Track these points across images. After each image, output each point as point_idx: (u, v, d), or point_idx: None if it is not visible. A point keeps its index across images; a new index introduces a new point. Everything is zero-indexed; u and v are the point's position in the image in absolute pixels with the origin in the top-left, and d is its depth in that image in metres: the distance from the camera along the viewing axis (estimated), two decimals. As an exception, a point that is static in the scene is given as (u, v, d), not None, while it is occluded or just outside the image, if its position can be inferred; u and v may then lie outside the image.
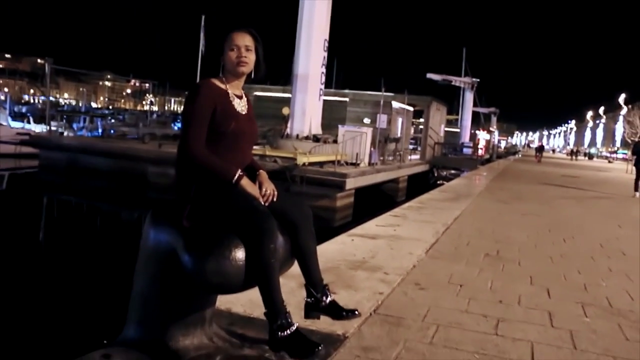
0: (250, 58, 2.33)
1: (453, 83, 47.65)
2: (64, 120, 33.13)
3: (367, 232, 5.86)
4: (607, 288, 4.20)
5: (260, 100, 25.83)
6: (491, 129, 56.45)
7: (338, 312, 2.36)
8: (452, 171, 29.84)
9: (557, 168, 28.11)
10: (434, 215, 7.54)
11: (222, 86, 2.33)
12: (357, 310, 2.43)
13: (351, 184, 15.94)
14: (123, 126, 28.77)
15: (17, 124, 29.28)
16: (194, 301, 2.29)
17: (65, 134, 25.59)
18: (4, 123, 26.86)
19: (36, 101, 75.57)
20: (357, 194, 17.03)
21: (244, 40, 2.31)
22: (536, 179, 17.48)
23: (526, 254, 5.33)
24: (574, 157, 53.08)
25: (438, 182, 26.05)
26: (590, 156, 65.73)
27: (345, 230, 6.02)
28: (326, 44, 19.99)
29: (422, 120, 33.00)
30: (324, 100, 20.88)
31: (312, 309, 2.37)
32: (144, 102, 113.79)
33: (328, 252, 4.70)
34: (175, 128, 33.31)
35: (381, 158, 21.28)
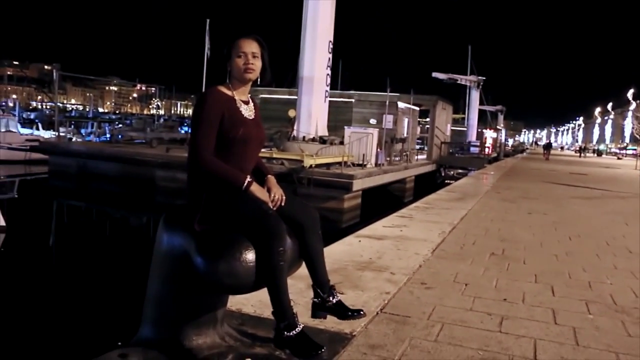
0: (257, 65, 2.37)
1: (459, 82, 47.49)
2: (72, 126, 33.46)
3: (374, 233, 5.93)
4: (611, 285, 4.24)
5: (266, 102, 25.94)
6: (498, 127, 56.30)
7: (344, 312, 2.43)
8: (460, 170, 29.84)
9: (566, 165, 28.02)
10: (440, 215, 7.60)
11: (229, 93, 2.37)
12: (362, 310, 2.49)
13: (358, 185, 16.01)
14: (130, 131, 29.02)
15: (26, 131, 29.62)
16: (206, 302, 2.38)
17: (74, 139, 25.85)
18: (14, 130, 27.17)
19: (44, 107, 76.21)
20: (364, 195, 17.09)
21: (251, 47, 2.35)
22: (544, 177, 17.46)
23: (532, 252, 5.38)
24: (582, 154, 52.77)
25: (445, 181, 26.05)
26: (599, 153, 65.33)
27: (352, 232, 6.10)
28: (331, 46, 20.07)
29: (428, 119, 32.97)
30: (330, 102, 20.97)
31: (319, 309, 2.44)
32: (150, 107, 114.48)
33: (335, 253, 4.78)
34: (182, 132, 33.54)
35: (388, 159, 21.33)
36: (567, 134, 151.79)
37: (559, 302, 3.69)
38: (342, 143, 19.17)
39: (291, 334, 2.18)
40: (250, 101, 2.47)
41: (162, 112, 71.61)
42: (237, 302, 3.10)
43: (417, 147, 32.65)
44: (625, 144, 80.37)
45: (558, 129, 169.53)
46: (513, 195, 10.93)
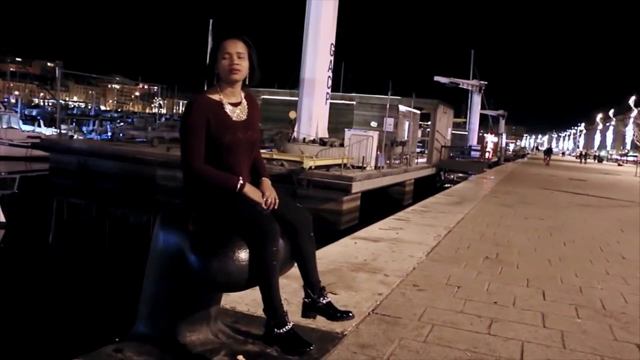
0: (243, 65, 2.36)
1: (461, 86, 47.54)
2: (74, 124, 33.56)
3: (370, 235, 5.99)
4: (602, 290, 4.30)
5: (267, 103, 26.00)
6: (499, 131, 56.32)
7: (333, 313, 2.47)
8: (460, 174, 29.89)
9: (565, 171, 28.07)
10: (437, 218, 7.66)
11: (216, 97, 2.38)
12: (351, 312, 2.53)
13: (357, 187, 16.05)
14: (132, 129, 29.05)
15: (27, 127, 29.72)
16: (200, 299, 2.45)
17: (75, 137, 25.92)
18: (15, 126, 27.27)
19: (46, 104, 76.36)
20: (363, 198, 17.14)
21: (236, 47, 2.35)
22: (543, 183, 17.51)
23: (525, 257, 5.44)
24: (583, 160, 52.77)
25: (445, 185, 26.11)
26: (600, 159, 65.33)
27: (350, 233, 6.16)
28: (333, 48, 20.14)
29: (429, 123, 33.02)
30: (331, 104, 21.02)
31: (309, 309, 2.49)
32: (152, 105, 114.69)
33: (331, 254, 4.85)
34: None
35: (387, 161, 21.38)
36: (569, 139, 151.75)
37: (549, 306, 3.74)
38: (342, 145, 19.24)
39: (281, 331, 2.24)
40: (244, 100, 2.46)
41: (164, 111, 71.76)
42: (231, 301, 3.16)
43: (418, 150, 32.68)
44: (626, 151, 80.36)
45: (559, 134, 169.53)
46: (511, 200, 10.98)
